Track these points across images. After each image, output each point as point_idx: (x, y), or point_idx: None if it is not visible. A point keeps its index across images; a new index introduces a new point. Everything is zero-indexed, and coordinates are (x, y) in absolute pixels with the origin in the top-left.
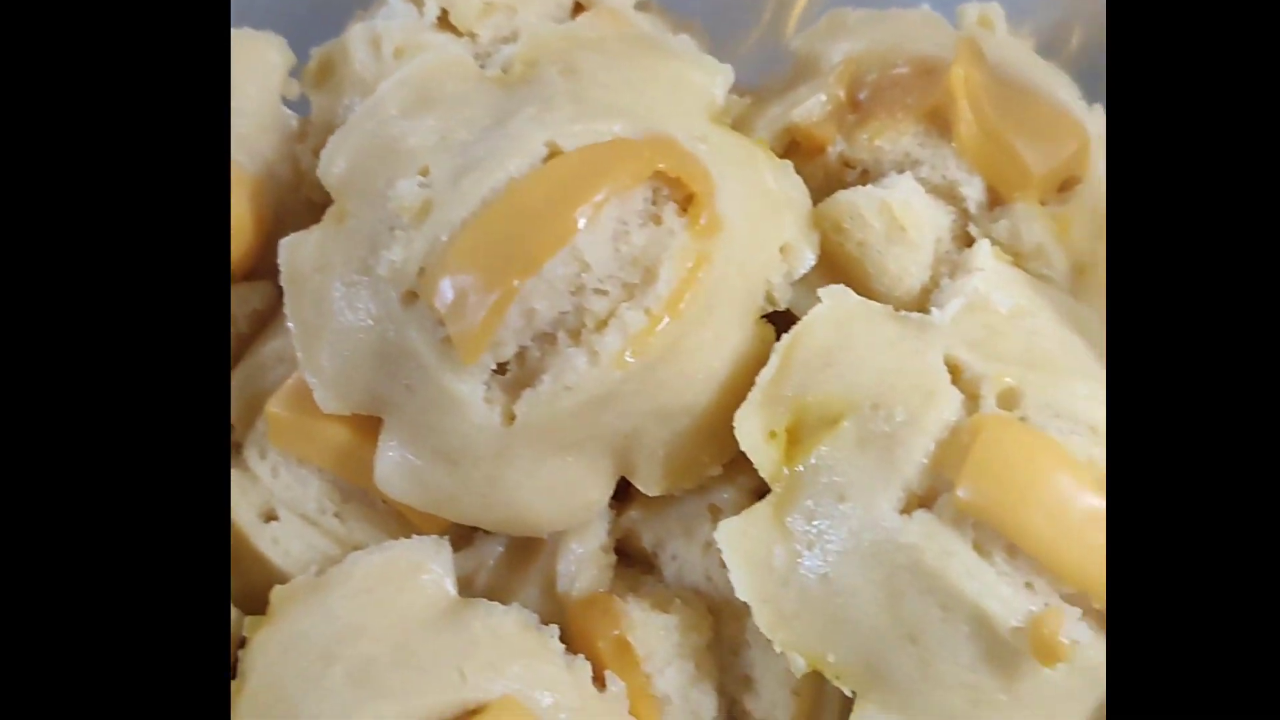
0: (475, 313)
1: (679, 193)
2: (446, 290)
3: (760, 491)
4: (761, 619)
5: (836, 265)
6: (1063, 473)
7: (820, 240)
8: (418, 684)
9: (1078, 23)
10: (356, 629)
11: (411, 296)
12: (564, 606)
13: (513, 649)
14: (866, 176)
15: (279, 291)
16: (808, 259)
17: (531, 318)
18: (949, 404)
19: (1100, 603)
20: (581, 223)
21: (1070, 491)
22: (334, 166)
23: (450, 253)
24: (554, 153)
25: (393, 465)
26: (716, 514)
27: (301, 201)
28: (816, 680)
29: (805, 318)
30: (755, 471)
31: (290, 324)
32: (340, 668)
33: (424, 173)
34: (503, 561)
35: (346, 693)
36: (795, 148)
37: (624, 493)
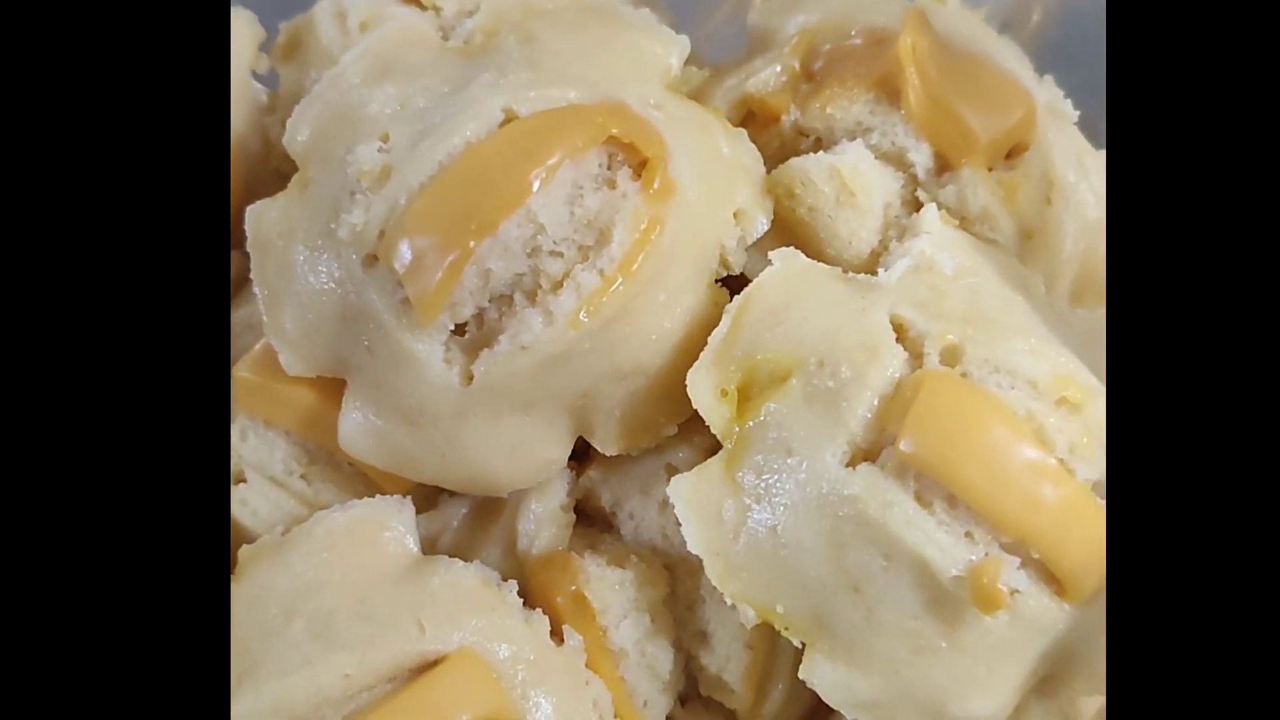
0: (432, 273)
1: (633, 158)
2: (405, 252)
3: (715, 451)
4: (712, 571)
5: (789, 230)
6: (1001, 426)
7: (773, 206)
8: (376, 636)
9: (1037, 1)
10: (318, 584)
11: (372, 259)
12: (524, 564)
13: (471, 603)
14: (820, 144)
15: (248, 260)
16: (761, 224)
17: (488, 279)
18: (893, 360)
19: (1039, 551)
20: (536, 185)
21: (1008, 443)
22: (298, 135)
23: (408, 215)
24: (510, 118)
25: (355, 426)
26: (673, 473)
27: (270, 173)
28: (770, 634)
29: (756, 279)
30: (710, 432)
31: (256, 290)
32: (301, 621)
33: (384, 139)
34: (466, 523)
35: (307, 645)
36: (751, 118)
37: (583, 453)
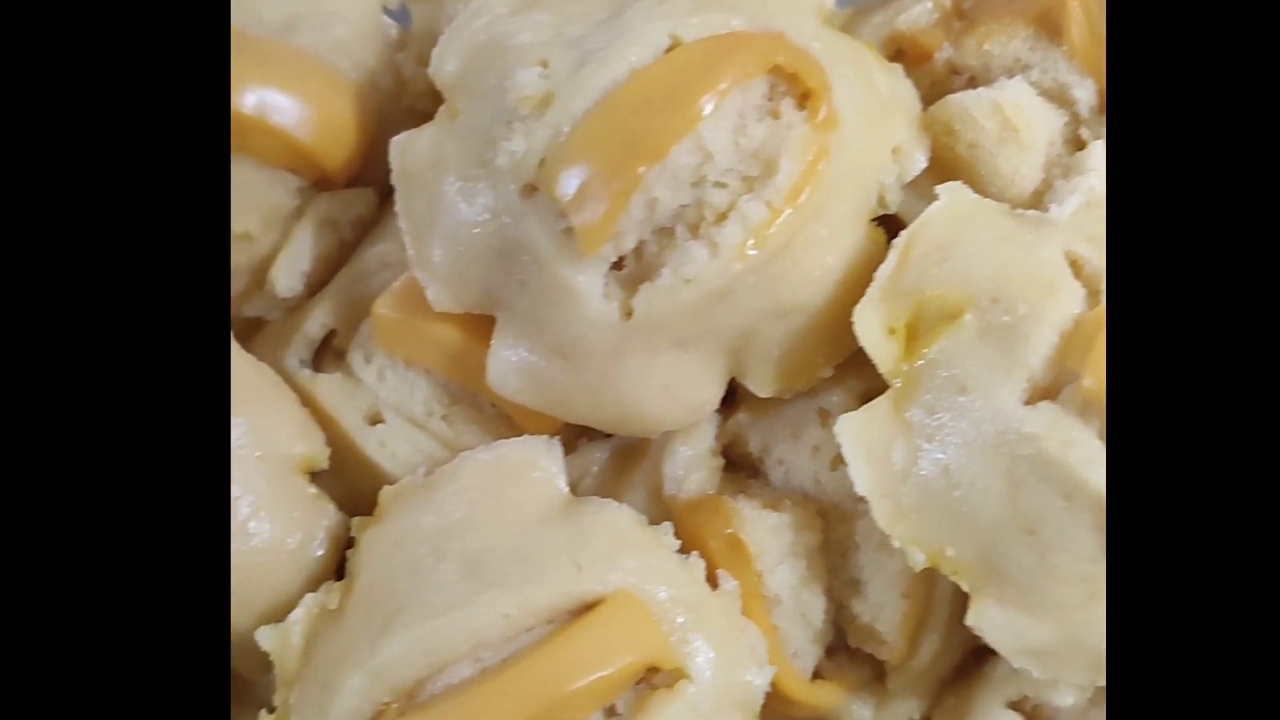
0: (598, 202)
1: (795, 88)
2: (569, 180)
3: (868, 395)
4: (880, 514)
5: (947, 168)
6: None
7: (930, 143)
8: (533, 575)
9: None
10: (467, 524)
11: (531, 189)
12: (670, 509)
13: (627, 543)
14: (974, 82)
15: (382, 198)
16: (919, 161)
17: (654, 208)
18: (1071, 296)
19: None
20: (708, 108)
21: None
22: (445, 65)
23: (572, 142)
24: (675, 44)
25: (506, 364)
26: (825, 417)
27: (403, 111)
28: (928, 583)
29: (923, 214)
30: (864, 374)
31: (401, 223)
32: (452, 561)
33: (542, 65)
34: (607, 467)
35: (459, 584)
36: (900, 56)
37: (729, 398)
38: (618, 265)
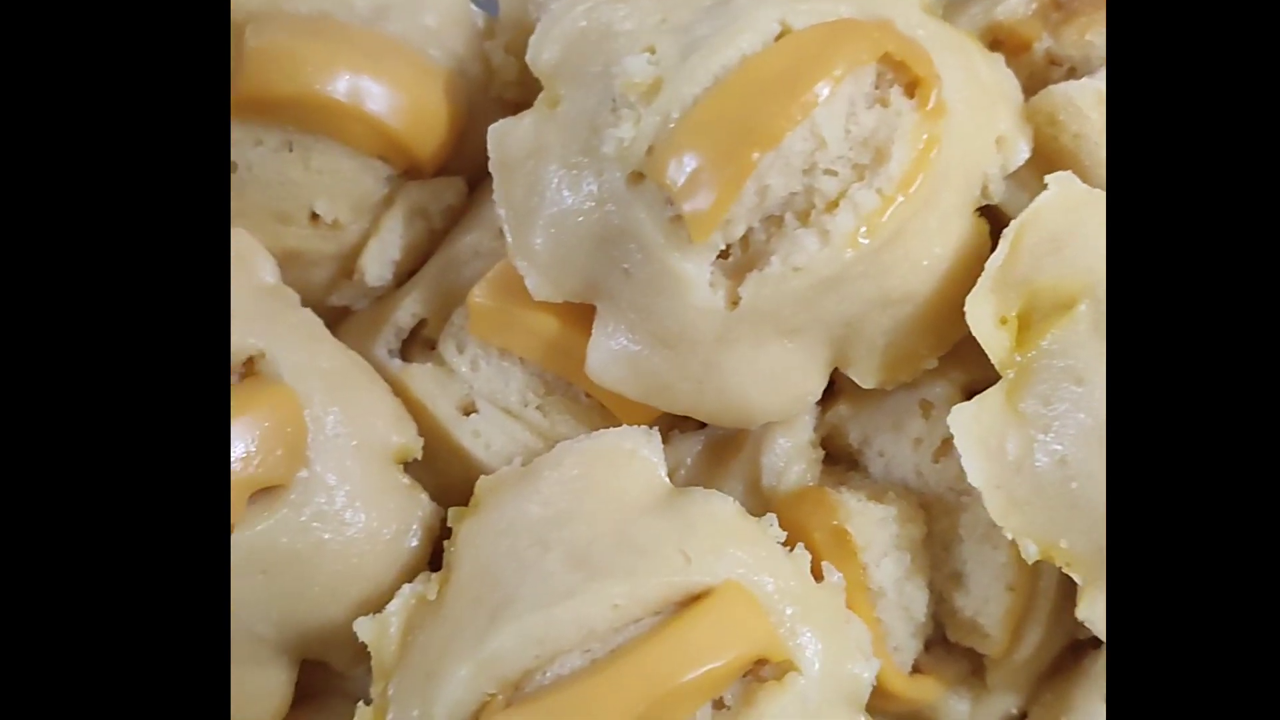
0: (710, 189)
1: (903, 76)
2: (679, 167)
3: (971, 387)
4: (993, 505)
5: (1049, 159)
6: None
7: (1032, 134)
8: (642, 565)
9: None
10: (569, 514)
11: (638, 177)
12: (769, 501)
13: (733, 534)
14: (1074, 73)
15: (472, 186)
16: (1022, 151)
17: (765, 195)
18: None
19: None
20: (823, 94)
21: None
22: (544, 53)
23: (683, 129)
24: (785, 31)
25: (607, 353)
26: (928, 409)
27: (492, 100)
28: (1033, 576)
29: (1034, 204)
30: (967, 366)
31: (500, 212)
32: (558, 551)
33: (650, 51)
34: (702, 458)
35: (567, 574)
36: (998, 46)
37: (827, 390)
38: (723, 254)
